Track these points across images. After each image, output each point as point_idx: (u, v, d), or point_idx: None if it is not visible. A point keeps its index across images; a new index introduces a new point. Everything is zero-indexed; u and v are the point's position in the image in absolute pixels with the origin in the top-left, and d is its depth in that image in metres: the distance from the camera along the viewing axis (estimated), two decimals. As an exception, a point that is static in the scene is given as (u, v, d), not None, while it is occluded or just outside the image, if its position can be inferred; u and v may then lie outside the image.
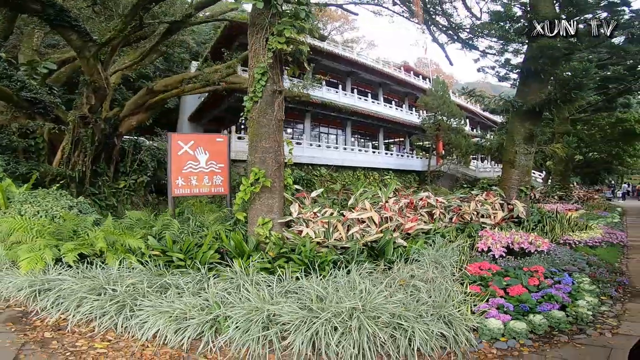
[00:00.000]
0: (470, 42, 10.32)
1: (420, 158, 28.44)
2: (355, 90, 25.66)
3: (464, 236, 6.21)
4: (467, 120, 29.07)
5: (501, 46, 10.77)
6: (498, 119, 39.28)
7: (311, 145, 21.38)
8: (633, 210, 16.63)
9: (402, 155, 27.36)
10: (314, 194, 6.33)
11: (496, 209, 7.99)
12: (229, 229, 5.42)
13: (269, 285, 3.43)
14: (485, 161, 33.83)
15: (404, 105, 30.47)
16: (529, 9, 8.87)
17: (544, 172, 26.41)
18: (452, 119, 25.39)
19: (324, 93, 22.14)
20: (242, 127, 21.75)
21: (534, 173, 24.39)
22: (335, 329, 2.65)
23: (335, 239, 5.06)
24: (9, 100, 8.63)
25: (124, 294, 3.31)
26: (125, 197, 11.85)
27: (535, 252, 5.41)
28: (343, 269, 3.95)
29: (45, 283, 3.73)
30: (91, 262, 4.19)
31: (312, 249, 4.40)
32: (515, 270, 4.56)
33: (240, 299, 3.13)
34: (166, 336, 2.88)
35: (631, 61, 10.99)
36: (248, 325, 2.76)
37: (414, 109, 30.50)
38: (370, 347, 2.55)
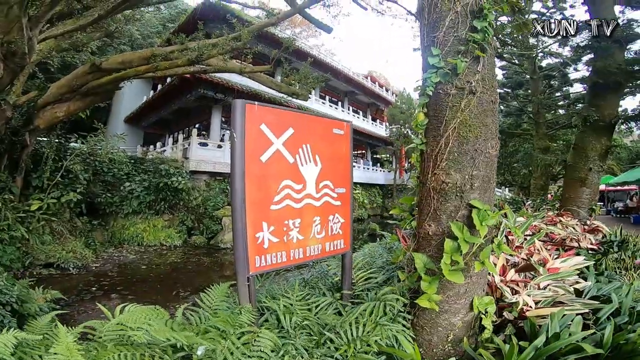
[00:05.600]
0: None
1: (382, 171, 27.87)
2: (327, 98, 24.10)
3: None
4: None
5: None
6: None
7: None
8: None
9: (367, 169, 26.37)
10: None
11: (579, 232, 7.06)
12: (407, 336, 2.33)
13: None
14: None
15: (368, 116, 29.80)
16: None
17: (507, 188, 27.51)
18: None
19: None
20: (203, 130, 18.46)
21: (499, 188, 25.42)
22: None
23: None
24: None
25: None
26: (42, 225, 8.40)
27: None
28: None
29: None
30: None
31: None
32: None
33: None
34: None
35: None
36: None
37: (376, 120, 30.10)
38: None
